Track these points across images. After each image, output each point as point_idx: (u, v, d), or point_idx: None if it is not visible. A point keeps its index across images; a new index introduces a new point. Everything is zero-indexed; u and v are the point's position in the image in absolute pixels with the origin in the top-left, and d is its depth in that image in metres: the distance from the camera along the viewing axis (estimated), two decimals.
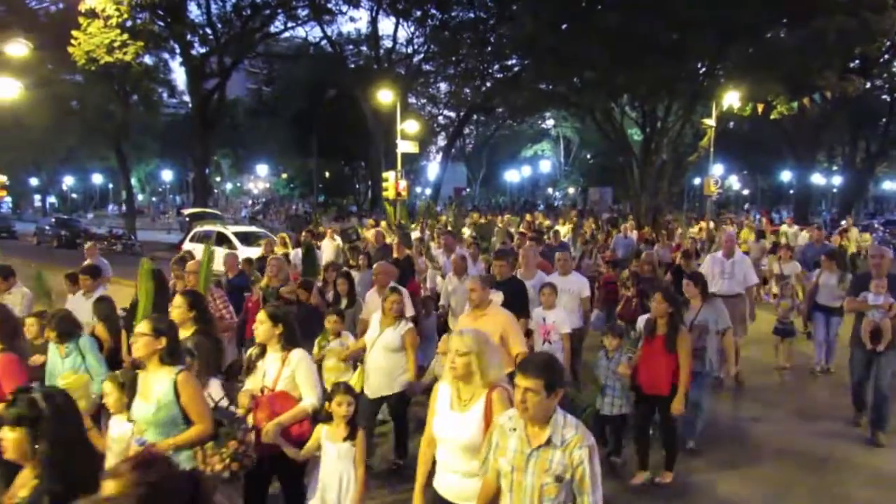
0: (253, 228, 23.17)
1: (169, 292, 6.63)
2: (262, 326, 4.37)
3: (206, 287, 6.56)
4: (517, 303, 6.53)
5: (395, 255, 9.82)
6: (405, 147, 25.05)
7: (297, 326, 4.52)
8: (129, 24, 22.68)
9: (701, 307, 6.36)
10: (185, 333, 4.60)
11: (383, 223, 17.68)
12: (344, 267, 9.64)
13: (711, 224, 21.90)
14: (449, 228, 16.26)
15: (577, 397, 6.18)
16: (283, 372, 4.30)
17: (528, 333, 6.60)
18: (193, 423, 3.67)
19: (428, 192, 47.61)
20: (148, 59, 30.49)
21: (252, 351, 4.58)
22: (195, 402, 3.68)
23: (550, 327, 6.56)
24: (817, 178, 48.62)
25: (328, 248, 13.52)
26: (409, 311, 6.59)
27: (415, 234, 14.94)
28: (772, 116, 25.58)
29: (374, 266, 7.77)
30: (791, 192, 50.97)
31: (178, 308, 4.81)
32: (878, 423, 6.78)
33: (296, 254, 11.39)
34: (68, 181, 63.06)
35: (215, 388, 4.26)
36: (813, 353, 9.52)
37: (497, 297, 6.48)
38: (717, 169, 31.25)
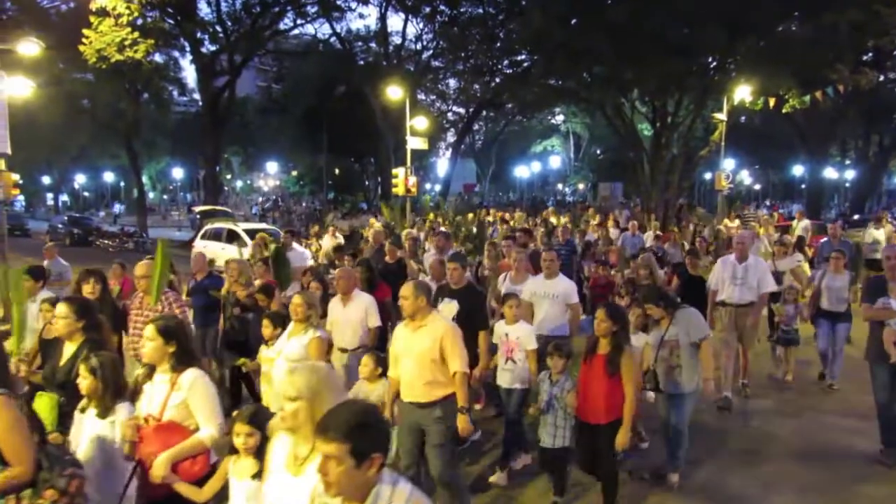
0: (263, 225, 23.24)
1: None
2: (150, 344, 3.61)
3: (159, 292, 5.91)
4: (475, 314, 5.96)
5: (387, 258, 9.17)
6: (414, 143, 25.04)
7: (191, 343, 3.89)
8: (139, 22, 22.75)
9: (670, 321, 5.59)
10: (71, 347, 4.15)
11: (375, 222, 17.37)
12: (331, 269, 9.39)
13: (736, 221, 21.12)
14: (443, 228, 15.49)
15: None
16: (171, 398, 3.57)
17: (494, 349, 6.07)
18: (8, 465, 2.94)
19: (437, 188, 47.58)
20: (158, 58, 30.65)
21: (139, 372, 3.88)
22: (11, 435, 2.93)
23: (514, 344, 5.80)
24: (830, 173, 48.21)
25: (329, 247, 13.40)
26: (374, 322, 6.26)
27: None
28: (784, 110, 25.38)
29: (336, 271, 7.23)
30: (803, 186, 50.65)
31: (63, 319, 4.15)
32: None
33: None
34: (80, 179, 63.47)
35: (123, 414, 3.59)
36: (816, 362, 8.74)
37: (449, 307, 6.05)
38: (729, 163, 31.03)
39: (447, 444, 4.60)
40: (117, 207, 53.09)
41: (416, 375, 4.60)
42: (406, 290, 4.65)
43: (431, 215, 20.86)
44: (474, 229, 16.67)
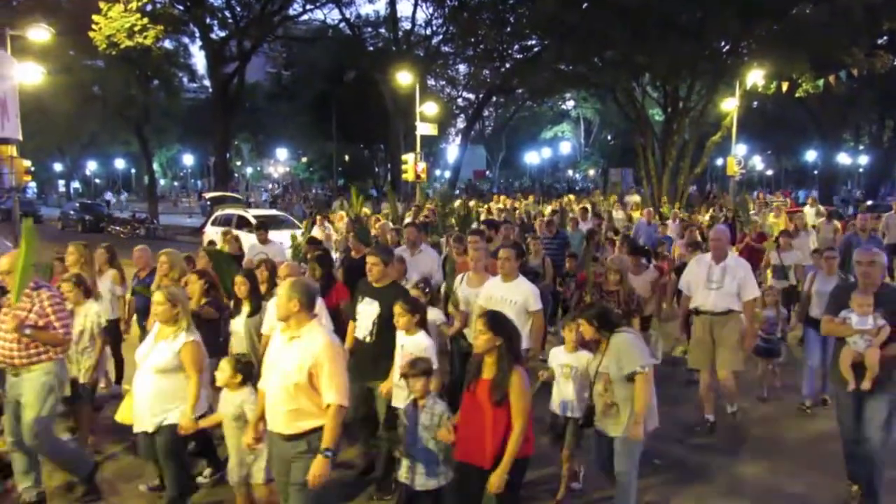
0: (273, 212, 23.29)
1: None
2: None
3: (22, 288, 4.86)
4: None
5: (353, 253, 8.14)
6: (424, 129, 25.01)
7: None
8: (149, 8, 22.71)
9: (606, 348, 4.59)
10: None
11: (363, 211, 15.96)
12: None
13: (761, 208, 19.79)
14: (424, 217, 14.05)
15: None
16: None
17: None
18: None
19: (447, 174, 47.52)
20: (168, 44, 30.64)
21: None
22: None
23: (409, 358, 4.67)
24: (843, 158, 47.73)
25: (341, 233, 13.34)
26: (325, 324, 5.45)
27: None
28: (797, 95, 25.13)
29: (281, 267, 6.41)
30: (815, 172, 50.21)
31: None
32: (868, 497, 5.03)
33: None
34: (91, 166, 63.76)
35: None
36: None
37: (368, 310, 5.25)
38: (741, 149, 30.81)
39: (314, 491, 3.65)
40: (109, 195, 53.32)
41: (279, 399, 3.75)
42: (282, 289, 3.83)
43: (424, 202, 19.74)
44: (446, 219, 14.89)
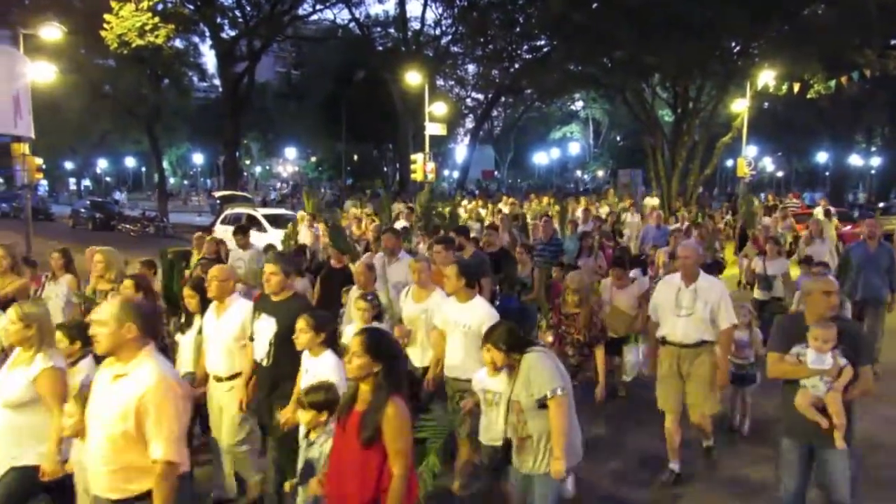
0: (282, 211, 23.36)
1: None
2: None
3: None
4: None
5: (333, 262, 7.80)
6: (433, 129, 25.02)
7: None
8: (160, 7, 22.83)
9: (517, 372, 3.97)
10: None
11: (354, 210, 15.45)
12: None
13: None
14: (398, 221, 13.07)
15: None
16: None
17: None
18: None
19: (456, 174, 47.54)
20: (178, 43, 30.78)
21: None
22: None
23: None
24: (855, 160, 47.40)
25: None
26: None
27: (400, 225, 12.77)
28: (808, 96, 24.97)
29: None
30: (826, 173, 49.92)
31: None
32: None
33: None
34: (102, 164, 64.16)
35: None
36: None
37: (265, 328, 4.62)
38: (751, 150, 30.65)
39: None
40: (120, 194, 53.82)
41: (102, 455, 3.04)
42: (107, 308, 3.09)
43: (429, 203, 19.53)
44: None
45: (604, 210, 18.54)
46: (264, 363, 4.62)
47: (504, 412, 4.06)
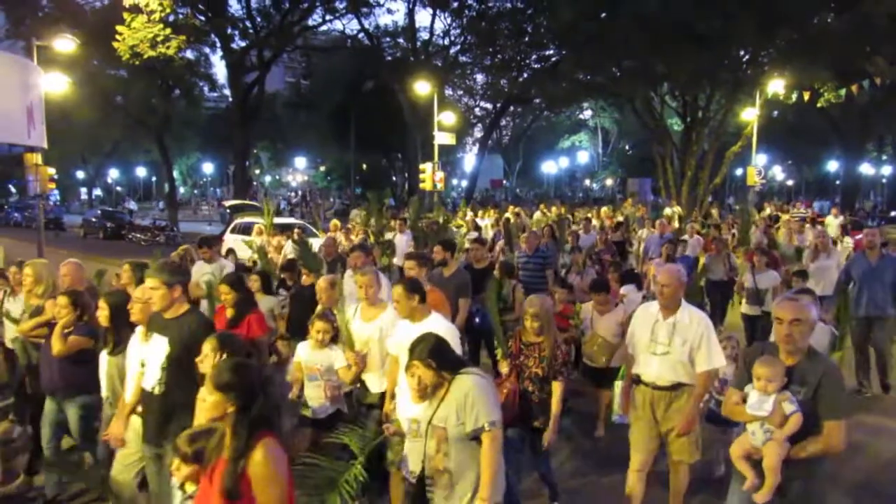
0: (292, 220, 23.43)
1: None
2: None
3: None
4: (193, 356, 3.81)
5: (304, 279, 7.30)
6: (442, 139, 25.07)
7: None
8: (171, 18, 23.06)
9: (445, 394, 3.44)
10: None
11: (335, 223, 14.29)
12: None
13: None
14: (369, 235, 12.44)
15: None
16: None
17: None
18: None
19: (464, 184, 47.61)
20: (189, 54, 31.04)
21: None
22: None
23: None
24: (866, 169, 47.18)
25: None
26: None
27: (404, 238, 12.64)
28: (818, 104, 24.92)
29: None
30: (837, 182, 49.68)
31: None
32: None
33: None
34: (113, 174, 64.62)
35: None
36: None
37: (155, 350, 4.04)
38: (761, 159, 30.57)
39: None
40: (132, 203, 54.32)
41: None
42: None
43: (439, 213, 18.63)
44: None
45: (618, 220, 17.70)
46: (155, 391, 3.96)
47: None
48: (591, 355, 6.47)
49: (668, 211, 20.28)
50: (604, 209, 19.89)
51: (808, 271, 8.34)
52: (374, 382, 4.94)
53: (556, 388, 4.67)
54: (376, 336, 4.86)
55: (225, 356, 3.38)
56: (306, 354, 4.93)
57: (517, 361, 4.82)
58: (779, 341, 3.43)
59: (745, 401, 3.41)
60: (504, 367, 4.92)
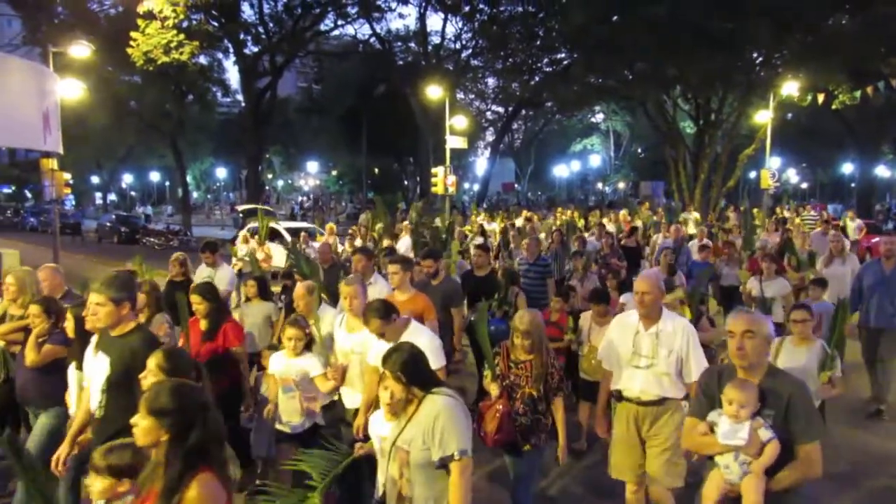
0: (304, 224, 23.53)
1: None
2: None
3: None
4: (137, 372, 3.47)
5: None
6: (454, 143, 25.07)
7: None
8: (185, 24, 23.23)
9: (414, 411, 3.23)
10: None
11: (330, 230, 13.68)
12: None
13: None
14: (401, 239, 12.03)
15: None
16: None
17: None
18: None
19: (476, 187, 47.61)
20: (203, 60, 31.27)
21: None
22: None
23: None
24: (881, 171, 46.75)
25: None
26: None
27: (405, 243, 12.29)
28: (833, 107, 24.72)
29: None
30: (853, 185, 49.27)
31: None
32: None
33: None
34: (127, 179, 65.13)
35: None
36: None
37: (97, 369, 3.73)
38: (774, 162, 30.34)
39: None
40: (149, 208, 54.83)
41: None
42: None
43: (455, 217, 18.28)
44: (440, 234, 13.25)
45: (636, 224, 17.03)
46: (97, 414, 3.69)
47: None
48: (588, 369, 6.08)
49: (685, 216, 19.63)
50: (622, 212, 19.43)
51: (826, 280, 7.81)
52: (351, 397, 4.73)
53: (558, 405, 4.34)
54: (359, 349, 4.61)
55: (165, 376, 3.03)
56: (280, 365, 4.70)
57: (507, 381, 4.40)
58: (731, 356, 3.14)
59: (712, 430, 3.09)
60: (493, 389, 4.43)
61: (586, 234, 13.09)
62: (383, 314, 4.18)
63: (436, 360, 4.04)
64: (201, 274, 7.93)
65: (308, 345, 4.74)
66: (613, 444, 4.49)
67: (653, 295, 4.23)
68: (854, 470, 5.78)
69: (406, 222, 15.04)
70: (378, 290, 6.05)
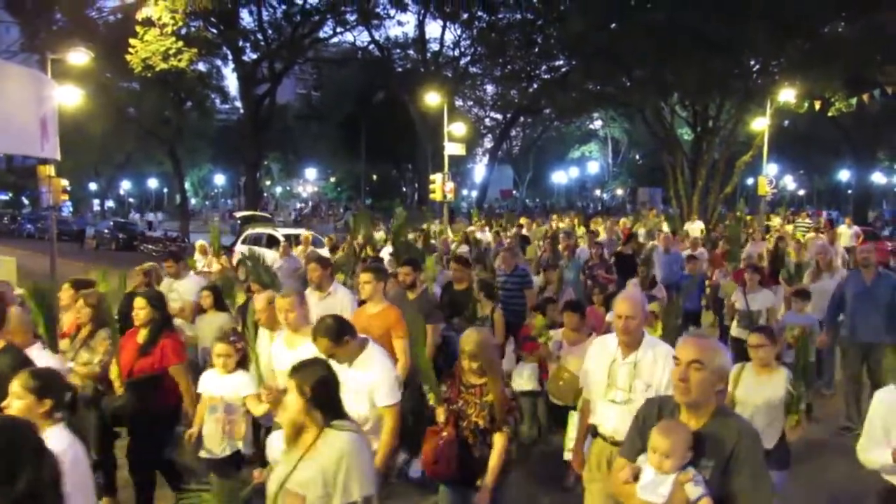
0: (302, 231, 23.52)
1: None
2: None
3: None
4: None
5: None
6: (452, 149, 25.07)
7: None
8: (183, 31, 23.26)
9: (313, 442, 2.86)
10: None
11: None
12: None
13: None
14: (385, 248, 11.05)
15: None
16: None
17: None
18: None
19: (474, 194, 47.66)
20: (201, 66, 31.28)
21: None
22: None
23: None
24: (877, 178, 46.90)
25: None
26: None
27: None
28: (829, 114, 24.78)
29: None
30: (849, 192, 49.39)
31: None
32: None
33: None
34: (126, 186, 65.14)
35: None
36: None
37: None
38: (772, 168, 30.42)
39: None
40: (153, 215, 54.84)
41: None
42: None
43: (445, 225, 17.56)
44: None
45: (641, 232, 16.59)
46: None
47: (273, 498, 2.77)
48: (555, 391, 5.47)
49: (687, 226, 18.44)
50: (622, 220, 18.55)
51: (809, 292, 7.52)
52: None
53: (499, 440, 3.73)
54: None
55: (48, 400, 2.73)
56: (209, 383, 4.33)
57: (454, 407, 3.87)
58: (673, 388, 2.66)
59: (636, 478, 2.61)
60: (440, 414, 3.96)
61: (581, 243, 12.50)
62: (333, 335, 3.72)
63: (387, 396, 3.75)
64: (167, 287, 7.28)
65: (242, 361, 4.33)
66: (585, 484, 3.95)
67: (637, 319, 3.64)
68: None
69: (381, 232, 14.14)
70: (336, 301, 5.66)
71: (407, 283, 6.18)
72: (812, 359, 6.06)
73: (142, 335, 4.75)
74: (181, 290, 7.13)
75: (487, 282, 7.22)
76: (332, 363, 3.52)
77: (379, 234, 14.63)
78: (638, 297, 3.86)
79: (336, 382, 2.88)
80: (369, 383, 3.77)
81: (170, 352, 4.68)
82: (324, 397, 2.75)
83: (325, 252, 11.87)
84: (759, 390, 4.25)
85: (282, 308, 4.35)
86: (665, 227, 18.88)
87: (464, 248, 12.63)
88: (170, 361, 4.65)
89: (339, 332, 3.75)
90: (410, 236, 13.46)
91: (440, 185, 23.45)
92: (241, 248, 18.42)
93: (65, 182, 16.28)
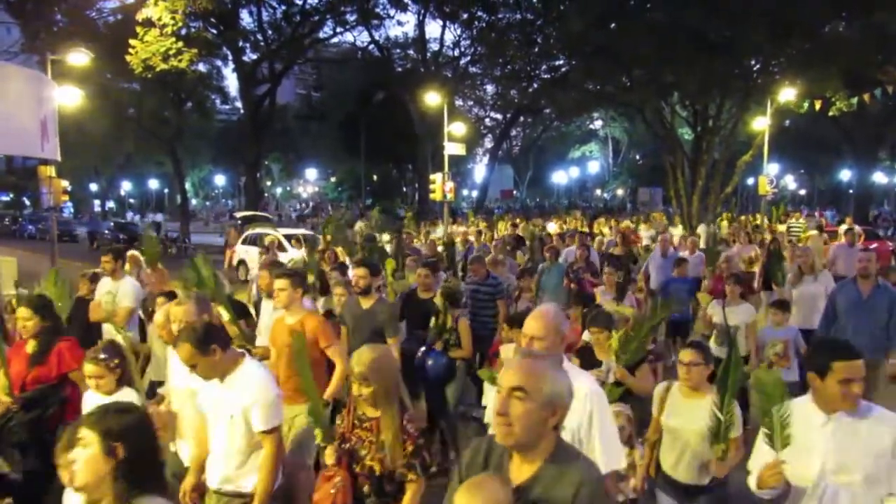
0: (302, 231, 23.51)
1: None
2: None
3: None
4: None
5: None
6: (452, 149, 25.05)
7: None
8: (183, 32, 23.27)
9: None
10: None
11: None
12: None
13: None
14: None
15: None
16: None
17: None
18: None
19: (475, 194, 47.67)
20: (202, 67, 31.29)
21: None
22: None
23: None
24: (878, 177, 46.88)
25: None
26: None
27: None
28: (830, 113, 24.76)
29: None
30: (850, 191, 49.36)
31: None
32: None
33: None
34: (126, 186, 65.16)
35: None
36: None
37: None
38: (772, 168, 30.39)
39: None
40: (160, 216, 54.94)
41: None
42: None
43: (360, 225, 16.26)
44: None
45: (647, 234, 16.20)
46: None
47: None
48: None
49: (701, 228, 17.58)
50: (624, 222, 17.87)
51: (788, 300, 6.86)
52: (189, 451, 3.72)
53: (410, 490, 3.02)
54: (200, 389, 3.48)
55: None
56: (89, 406, 3.68)
57: (348, 446, 3.14)
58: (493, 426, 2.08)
59: None
60: (329, 455, 3.19)
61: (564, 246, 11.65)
62: (198, 341, 3.16)
63: (266, 419, 3.22)
64: (102, 287, 6.60)
65: (124, 378, 3.73)
66: None
67: (548, 340, 2.83)
68: None
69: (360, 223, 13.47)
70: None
71: (360, 288, 5.43)
72: (795, 378, 5.52)
73: (31, 345, 4.23)
74: (119, 295, 6.38)
75: (451, 289, 6.27)
76: (200, 381, 3.16)
77: (358, 225, 14.28)
78: (550, 315, 2.97)
79: (152, 445, 2.08)
80: (244, 405, 3.20)
81: (68, 357, 4.17)
82: (135, 455, 1.94)
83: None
84: (691, 417, 3.57)
85: (175, 318, 3.86)
86: (679, 230, 18.20)
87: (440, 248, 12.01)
88: (68, 367, 4.15)
89: (205, 339, 3.18)
90: (385, 237, 12.95)
91: (440, 185, 23.43)
92: (241, 249, 18.48)
93: (65, 183, 16.29)
